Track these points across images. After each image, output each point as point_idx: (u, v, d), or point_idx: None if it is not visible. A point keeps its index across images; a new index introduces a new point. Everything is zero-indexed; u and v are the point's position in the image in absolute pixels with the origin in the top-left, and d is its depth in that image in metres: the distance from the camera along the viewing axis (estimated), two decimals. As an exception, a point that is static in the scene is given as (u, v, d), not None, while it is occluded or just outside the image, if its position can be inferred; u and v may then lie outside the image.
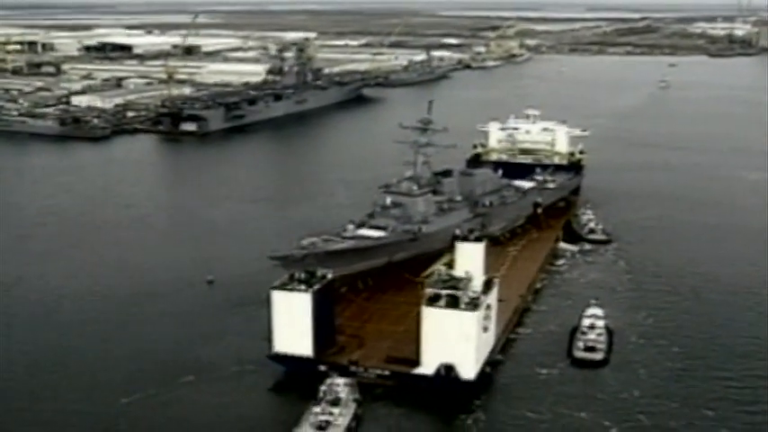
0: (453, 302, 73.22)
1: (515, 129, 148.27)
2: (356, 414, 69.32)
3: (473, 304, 73.43)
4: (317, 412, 67.62)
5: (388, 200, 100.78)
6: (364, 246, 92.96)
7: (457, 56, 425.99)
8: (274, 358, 77.54)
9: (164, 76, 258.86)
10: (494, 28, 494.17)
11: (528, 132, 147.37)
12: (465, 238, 77.83)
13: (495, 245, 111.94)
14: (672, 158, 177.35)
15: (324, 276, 78.96)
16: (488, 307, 76.35)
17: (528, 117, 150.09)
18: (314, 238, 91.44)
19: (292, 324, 76.32)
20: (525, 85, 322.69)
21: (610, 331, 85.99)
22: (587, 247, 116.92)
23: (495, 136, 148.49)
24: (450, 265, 76.93)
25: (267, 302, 77.12)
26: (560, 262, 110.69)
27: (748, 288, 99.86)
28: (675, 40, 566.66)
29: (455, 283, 74.40)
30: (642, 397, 73.23)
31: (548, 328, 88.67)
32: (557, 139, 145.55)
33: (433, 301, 73.69)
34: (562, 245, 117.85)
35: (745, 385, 75.41)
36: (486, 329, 76.15)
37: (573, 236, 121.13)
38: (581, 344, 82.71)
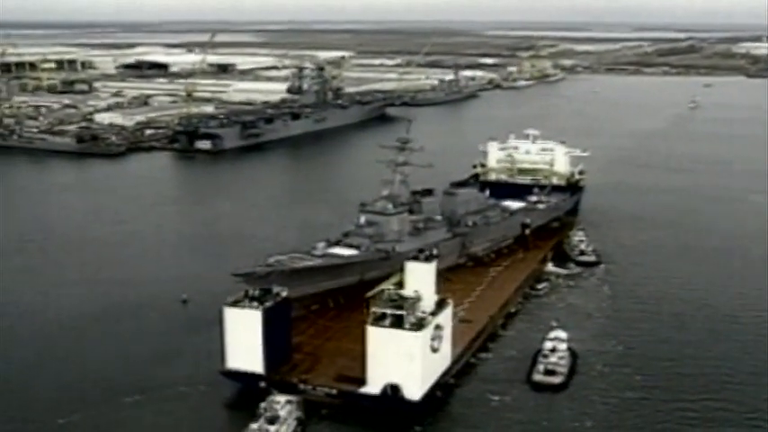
0: (398, 322, 72.80)
1: (515, 148, 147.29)
2: (295, 432, 69.28)
3: (418, 324, 72.89)
4: (254, 429, 67.73)
5: (363, 219, 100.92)
6: (333, 264, 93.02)
7: (490, 75, 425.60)
8: (227, 374, 77.78)
9: (203, 94, 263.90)
10: (533, 48, 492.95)
11: (527, 152, 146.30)
12: (415, 258, 77.27)
13: (478, 265, 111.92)
14: (682, 180, 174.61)
15: (277, 294, 79.07)
16: (438, 327, 75.56)
17: (528, 137, 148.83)
18: (281, 255, 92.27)
19: (244, 341, 76.54)
20: (552, 105, 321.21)
21: (574, 354, 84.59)
22: (575, 269, 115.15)
23: (495, 156, 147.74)
24: (401, 284, 76.49)
25: (219, 319, 77.38)
26: (542, 285, 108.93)
27: (735, 316, 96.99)
28: (716, 61, 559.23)
29: (401, 302, 73.94)
30: (593, 427, 71.31)
31: (513, 352, 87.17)
32: (555, 159, 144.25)
33: (378, 320, 73.42)
34: (549, 266, 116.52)
35: (701, 417, 73.11)
36: (435, 350, 75.40)
37: (563, 257, 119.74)
38: (541, 367, 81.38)
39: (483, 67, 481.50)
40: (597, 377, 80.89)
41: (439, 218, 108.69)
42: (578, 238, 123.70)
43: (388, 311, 73.44)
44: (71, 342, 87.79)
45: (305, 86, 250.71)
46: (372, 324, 73.21)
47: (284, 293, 79.84)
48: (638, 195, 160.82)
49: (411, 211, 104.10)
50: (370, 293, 75.58)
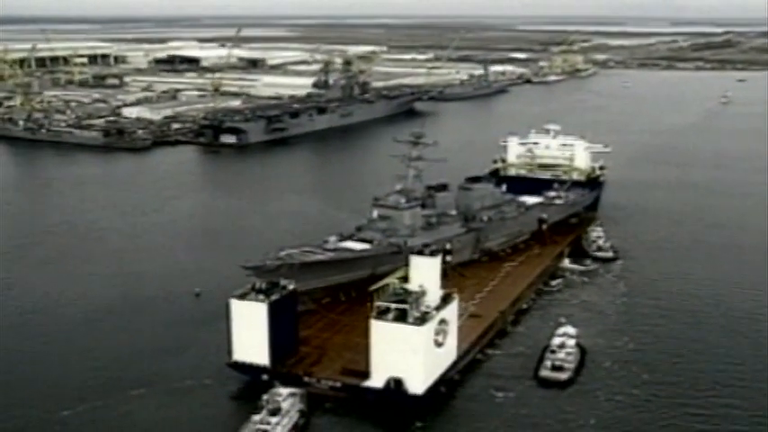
0: (401, 316, 72.87)
1: (535, 143, 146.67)
2: (296, 424, 69.50)
3: (422, 318, 72.88)
4: (256, 421, 68.20)
5: (376, 213, 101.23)
6: (344, 258, 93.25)
7: (520, 70, 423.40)
8: (233, 366, 78.38)
9: (230, 88, 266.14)
10: (564, 42, 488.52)
11: (547, 147, 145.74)
12: (420, 252, 77.15)
13: (493, 260, 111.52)
14: (707, 177, 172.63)
15: (284, 287, 79.49)
16: (443, 322, 75.45)
17: (548, 132, 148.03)
18: (293, 249, 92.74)
19: (250, 333, 77.06)
20: (581, 100, 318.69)
21: (583, 351, 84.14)
22: (591, 265, 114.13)
23: (514, 151, 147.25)
24: (406, 278, 76.50)
25: (226, 312, 77.92)
26: (556, 281, 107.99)
27: (752, 314, 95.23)
28: (752, 55, 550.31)
29: (405, 296, 73.98)
30: (596, 425, 70.56)
31: (521, 348, 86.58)
32: (575, 154, 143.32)
33: (382, 314, 73.56)
34: (566, 262, 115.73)
35: (708, 415, 71.99)
36: (440, 345, 75.34)
37: (580, 253, 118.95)
38: (548, 363, 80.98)
39: (514, 62, 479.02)
40: (605, 374, 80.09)
41: (453, 213, 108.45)
42: (596, 233, 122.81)
43: (392, 305, 73.54)
44: (81, 334, 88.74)
45: (331, 81, 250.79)
46: (376, 318, 73.37)
47: (291, 287, 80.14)
48: (662, 191, 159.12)
49: (424, 206, 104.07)
50: (374, 287, 75.68)
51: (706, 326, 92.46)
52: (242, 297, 77.90)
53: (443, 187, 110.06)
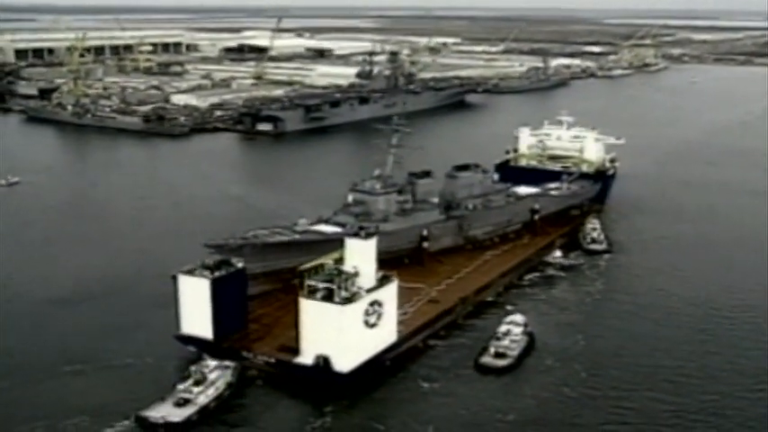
0: (329, 296, 74.61)
1: (546, 135, 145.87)
2: (221, 395, 71.93)
3: (349, 299, 74.40)
4: (180, 390, 71.07)
5: (351, 197, 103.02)
6: (309, 240, 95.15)
7: (587, 63, 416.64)
8: (180, 339, 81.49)
9: (281, 77, 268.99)
10: (633, 36, 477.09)
11: (558, 139, 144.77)
12: (355, 235, 78.48)
13: (477, 248, 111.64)
14: (737, 176, 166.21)
15: (231, 265, 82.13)
16: (376, 303, 76.68)
17: (561, 123, 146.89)
18: (263, 230, 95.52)
19: (194, 307, 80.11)
20: (639, 95, 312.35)
21: (531, 339, 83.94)
22: (578, 259, 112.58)
23: (526, 141, 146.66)
24: (341, 260, 78.04)
25: (174, 286, 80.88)
26: (531, 274, 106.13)
27: (731, 319, 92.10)
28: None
29: (334, 276, 75.60)
30: (514, 421, 69.53)
31: (471, 336, 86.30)
32: (585, 146, 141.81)
33: (311, 293, 75.40)
34: (557, 254, 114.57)
35: (625, 422, 70.28)
36: (372, 325, 76.67)
37: (575, 245, 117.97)
38: (492, 349, 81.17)
39: (586, 56, 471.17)
40: (543, 371, 78.80)
41: (435, 200, 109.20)
42: (591, 225, 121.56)
43: (321, 285, 75.31)
44: (40, 314, 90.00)
45: (375, 71, 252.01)
46: (304, 297, 75.30)
47: (240, 265, 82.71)
48: (683, 188, 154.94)
49: (401, 192, 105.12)
50: (303, 267, 77.47)
51: (677, 327, 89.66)
52: (189, 272, 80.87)
53: (426, 174, 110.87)
